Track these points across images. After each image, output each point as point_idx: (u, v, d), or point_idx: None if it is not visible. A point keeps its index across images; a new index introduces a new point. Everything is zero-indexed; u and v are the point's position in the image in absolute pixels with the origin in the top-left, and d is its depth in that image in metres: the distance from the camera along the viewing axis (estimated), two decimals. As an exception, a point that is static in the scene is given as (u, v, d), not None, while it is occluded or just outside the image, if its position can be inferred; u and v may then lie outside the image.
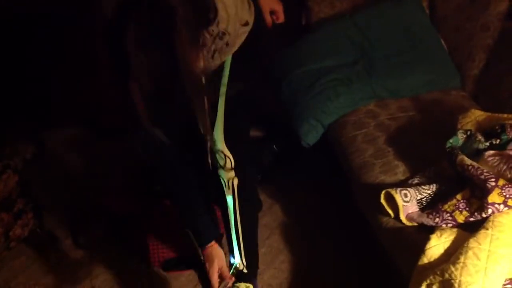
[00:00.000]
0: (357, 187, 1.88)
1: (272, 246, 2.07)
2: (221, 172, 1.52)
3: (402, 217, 1.58)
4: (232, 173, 1.52)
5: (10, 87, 2.47)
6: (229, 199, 1.53)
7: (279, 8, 1.72)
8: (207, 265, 1.54)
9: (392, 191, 1.59)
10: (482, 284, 1.30)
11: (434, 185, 1.64)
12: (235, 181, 1.52)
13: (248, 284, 1.54)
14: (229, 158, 1.49)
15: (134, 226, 2.03)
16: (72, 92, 2.52)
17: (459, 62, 2.14)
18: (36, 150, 2.35)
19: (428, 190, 1.63)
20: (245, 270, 1.55)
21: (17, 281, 1.97)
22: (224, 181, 1.52)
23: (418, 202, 1.60)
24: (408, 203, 1.59)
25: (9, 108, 2.45)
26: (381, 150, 1.89)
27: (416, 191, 1.62)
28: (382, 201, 1.62)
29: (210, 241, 1.56)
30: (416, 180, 1.70)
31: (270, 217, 2.20)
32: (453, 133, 1.69)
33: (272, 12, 1.71)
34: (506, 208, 1.43)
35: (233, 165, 1.50)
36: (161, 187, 1.62)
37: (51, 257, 2.08)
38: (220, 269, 1.53)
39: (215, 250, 1.55)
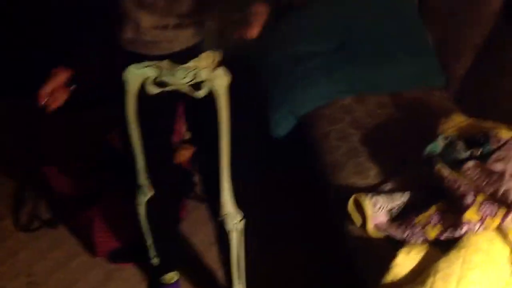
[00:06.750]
0: (326, 187, 1.75)
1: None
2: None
3: (369, 227, 1.45)
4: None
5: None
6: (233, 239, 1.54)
7: None
8: None
9: (361, 199, 1.46)
10: (450, 311, 1.18)
11: (408, 192, 1.51)
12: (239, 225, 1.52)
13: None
14: None
15: (80, 209, 1.87)
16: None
17: (445, 60, 2.03)
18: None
19: (401, 198, 1.50)
20: None
21: None
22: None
23: (389, 212, 1.48)
24: (377, 212, 1.46)
25: None
26: (354, 149, 1.76)
27: (388, 199, 1.49)
28: (350, 208, 1.49)
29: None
30: (389, 186, 1.58)
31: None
32: (433, 138, 1.56)
33: None
34: (482, 227, 1.30)
35: None
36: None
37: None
38: None
39: None
